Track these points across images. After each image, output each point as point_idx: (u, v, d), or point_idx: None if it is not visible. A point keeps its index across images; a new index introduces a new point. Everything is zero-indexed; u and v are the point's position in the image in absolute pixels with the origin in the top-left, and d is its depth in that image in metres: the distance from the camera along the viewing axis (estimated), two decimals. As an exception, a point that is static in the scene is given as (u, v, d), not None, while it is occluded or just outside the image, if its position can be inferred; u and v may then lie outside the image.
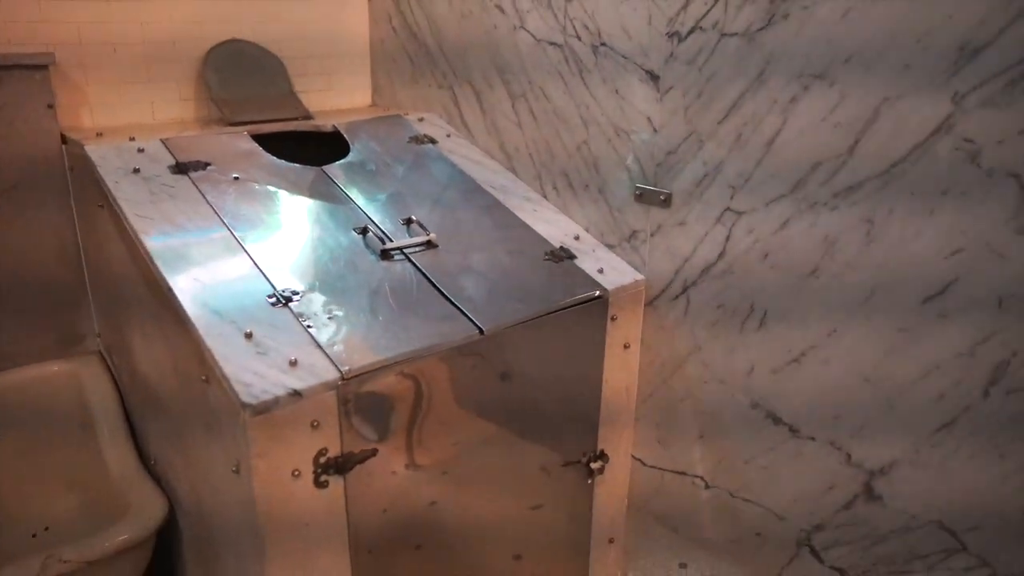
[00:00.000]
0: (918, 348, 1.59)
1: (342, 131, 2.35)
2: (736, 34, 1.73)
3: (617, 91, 2.02)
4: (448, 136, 2.47)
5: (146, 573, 1.91)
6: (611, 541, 2.17)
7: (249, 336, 1.45)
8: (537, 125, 2.27)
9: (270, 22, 2.60)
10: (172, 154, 2.00)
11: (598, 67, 2.05)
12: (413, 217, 1.95)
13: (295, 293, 1.58)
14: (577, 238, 2.11)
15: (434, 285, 1.74)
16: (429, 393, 1.61)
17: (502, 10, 2.28)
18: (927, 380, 1.59)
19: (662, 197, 1.98)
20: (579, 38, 2.07)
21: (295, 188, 1.99)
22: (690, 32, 1.82)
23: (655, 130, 1.96)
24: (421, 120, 2.53)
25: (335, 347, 1.47)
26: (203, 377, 1.44)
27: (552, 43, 2.15)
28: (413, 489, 1.65)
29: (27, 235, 2.18)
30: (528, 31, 2.21)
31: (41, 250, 2.22)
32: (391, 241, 1.84)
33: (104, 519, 1.77)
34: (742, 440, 1.99)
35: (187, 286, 1.55)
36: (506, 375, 1.76)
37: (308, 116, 2.50)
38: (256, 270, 1.63)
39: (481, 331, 1.65)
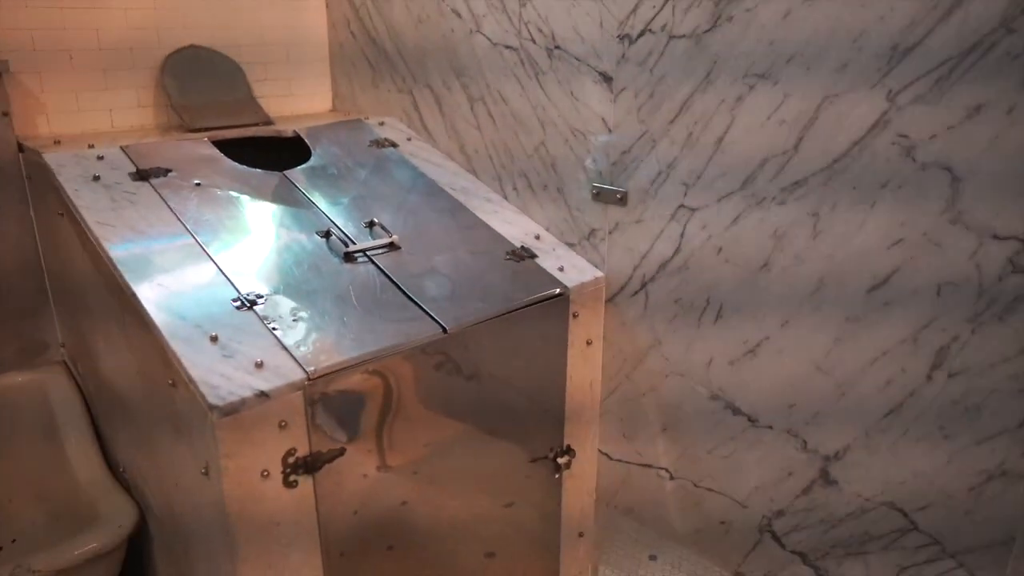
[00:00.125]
0: (865, 336, 1.66)
1: (303, 136, 2.35)
2: (684, 36, 1.78)
3: (572, 93, 2.06)
4: (409, 139, 2.49)
5: (116, 579, 1.91)
6: (581, 535, 2.20)
7: (215, 339, 1.46)
8: (496, 127, 2.31)
9: (228, 28, 2.60)
10: (132, 161, 2.00)
11: (553, 69, 2.09)
12: (375, 220, 1.97)
13: (260, 296, 1.60)
14: (538, 237, 2.15)
15: (397, 286, 1.76)
16: (396, 393, 1.63)
17: (458, 14, 2.31)
18: (875, 367, 1.66)
19: (618, 196, 2.03)
20: (534, 41, 2.11)
21: (257, 193, 2.00)
22: (640, 35, 1.87)
23: (610, 130, 2.01)
24: (382, 124, 2.55)
25: (300, 348, 1.49)
26: (170, 381, 1.45)
27: (508, 46, 2.19)
28: (384, 490, 1.67)
29: (-14, 245, 2.16)
30: (484, 35, 2.25)
31: (0, 260, 2.19)
32: (354, 244, 1.86)
33: (73, 528, 1.76)
34: (703, 431, 2.04)
35: (151, 292, 1.56)
36: (472, 373, 1.79)
37: (269, 121, 2.50)
38: (220, 275, 1.65)
39: (445, 330, 1.67)
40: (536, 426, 2.01)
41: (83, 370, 2.22)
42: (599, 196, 2.08)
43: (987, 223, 1.43)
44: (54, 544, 1.70)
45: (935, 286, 1.53)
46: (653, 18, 1.83)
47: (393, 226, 1.96)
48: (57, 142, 2.16)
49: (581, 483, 2.15)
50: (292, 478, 1.44)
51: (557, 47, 2.06)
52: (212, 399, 1.33)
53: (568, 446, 2.07)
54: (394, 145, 2.41)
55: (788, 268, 1.74)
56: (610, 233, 2.09)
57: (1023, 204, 1.39)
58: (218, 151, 2.16)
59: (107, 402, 2.07)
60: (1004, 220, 1.41)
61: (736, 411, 1.95)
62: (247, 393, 1.36)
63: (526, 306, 1.86)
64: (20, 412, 2.18)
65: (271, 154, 2.26)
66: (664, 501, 2.21)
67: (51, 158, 1.95)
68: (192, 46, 2.53)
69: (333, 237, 1.87)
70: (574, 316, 1.99)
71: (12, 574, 1.59)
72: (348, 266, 1.79)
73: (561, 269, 2.02)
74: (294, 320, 1.56)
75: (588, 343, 2.06)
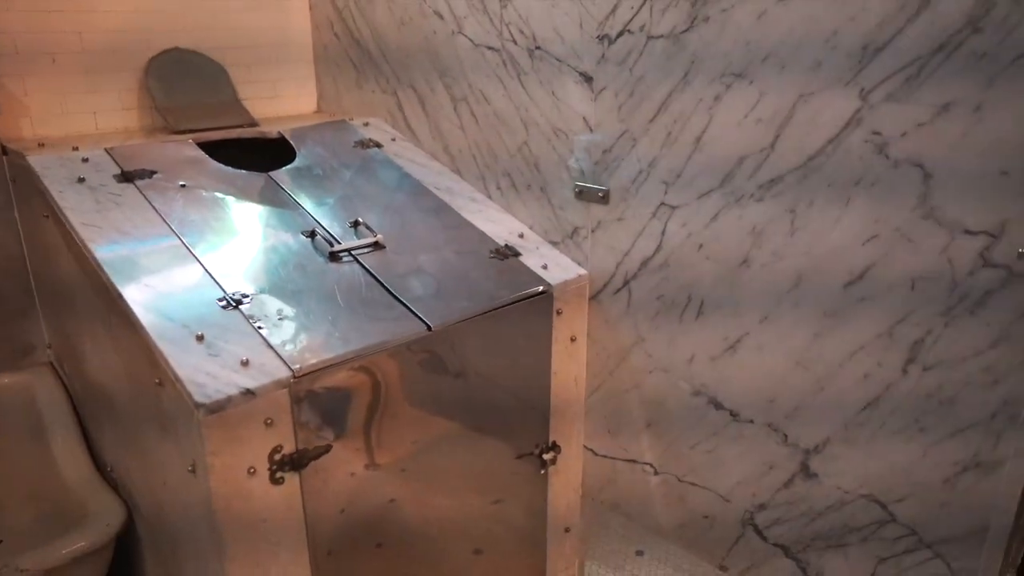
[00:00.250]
0: (843, 331, 1.69)
1: (288, 137, 2.37)
2: (662, 36, 1.81)
3: (554, 93, 2.09)
4: (393, 140, 2.50)
5: (107, 578, 1.92)
6: (567, 530, 2.22)
7: (201, 338, 1.47)
8: (479, 127, 2.33)
9: (211, 30, 2.61)
10: (117, 163, 2.00)
11: (535, 70, 2.11)
12: (360, 220, 1.99)
13: (245, 296, 1.61)
14: (521, 236, 2.17)
15: (382, 285, 1.78)
16: (382, 390, 1.64)
17: (440, 16, 2.32)
18: (852, 361, 1.69)
19: (601, 194, 2.05)
20: (515, 42, 2.14)
21: (242, 194, 2.01)
22: (619, 35, 1.89)
23: (591, 129, 2.03)
24: (366, 125, 2.57)
25: (286, 347, 1.50)
26: (156, 380, 1.47)
27: (490, 47, 2.21)
28: (371, 487, 1.68)
29: (-31, 248, 2.17)
30: (466, 36, 2.27)
31: (-15, 262, 2.20)
32: (339, 243, 1.87)
33: (62, 528, 1.77)
34: (687, 426, 2.06)
35: (137, 292, 1.57)
36: (457, 371, 1.81)
37: (253, 123, 2.51)
38: (206, 275, 1.66)
39: (429, 328, 1.69)
40: (522, 423, 2.02)
41: (70, 371, 2.23)
42: (582, 195, 2.11)
43: (958, 218, 1.46)
44: (42, 543, 1.71)
45: (909, 281, 1.56)
46: (631, 19, 1.86)
47: (378, 226, 1.98)
48: (41, 145, 2.17)
49: (567, 479, 2.16)
50: (279, 475, 1.46)
51: (538, 48, 2.09)
52: (198, 397, 1.35)
53: (554, 442, 2.09)
54: (379, 145, 2.43)
55: (767, 264, 1.77)
56: (593, 231, 2.12)
57: (992, 200, 1.42)
58: (203, 153, 2.17)
59: (94, 402, 2.08)
60: (974, 215, 1.45)
61: (718, 406, 1.98)
62: (233, 391, 1.38)
63: (510, 303, 1.88)
64: (7, 413, 2.19)
65: (256, 155, 2.28)
66: (649, 496, 2.24)
67: (36, 160, 1.95)
68: (176, 48, 2.54)
69: (318, 237, 1.89)
70: (558, 313, 2.01)
71: (3, 573, 1.60)
72: (333, 265, 1.81)
73: (545, 267, 2.04)
74: (280, 319, 1.58)
75: (572, 340, 2.08)
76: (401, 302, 1.74)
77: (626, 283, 2.08)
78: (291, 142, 2.35)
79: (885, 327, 1.62)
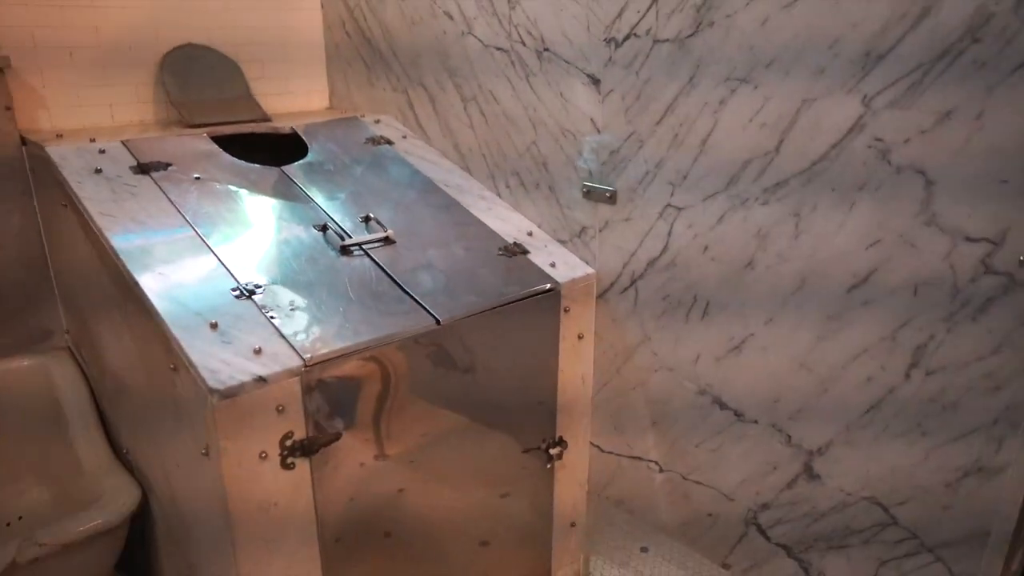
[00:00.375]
0: (846, 334, 1.70)
1: (300, 133, 2.40)
2: (668, 40, 1.83)
3: (562, 94, 2.11)
4: (404, 137, 2.53)
5: (120, 560, 1.95)
6: (573, 525, 2.23)
7: (215, 327, 1.51)
8: (488, 126, 2.35)
9: (225, 27, 2.64)
10: (133, 155, 2.04)
11: (543, 71, 2.14)
12: (371, 215, 2.01)
13: (258, 286, 1.65)
14: (530, 234, 2.19)
15: (392, 279, 1.81)
16: (391, 382, 1.67)
17: (450, 16, 2.35)
18: (855, 364, 1.70)
19: (608, 194, 2.08)
20: (524, 43, 2.16)
21: (256, 188, 2.05)
22: (626, 38, 1.91)
23: (599, 131, 2.06)
24: (377, 122, 2.60)
25: (297, 336, 1.54)
26: (171, 366, 1.50)
27: (499, 48, 2.24)
28: (379, 477, 1.71)
29: (-10, 235, 2.21)
30: (476, 36, 2.29)
31: (5, 249, 2.24)
32: (350, 238, 1.90)
33: (78, 508, 1.81)
34: (691, 425, 2.08)
35: (153, 281, 1.60)
36: (465, 365, 1.83)
37: (266, 118, 2.55)
38: (220, 265, 1.69)
39: (438, 322, 1.72)
40: (529, 418, 2.04)
41: (87, 356, 2.27)
42: (589, 195, 2.13)
43: (960, 225, 1.48)
44: (60, 521, 1.74)
45: (912, 286, 1.57)
46: (638, 22, 1.88)
47: (389, 221, 2.01)
48: (59, 136, 2.21)
49: (573, 474, 2.18)
50: (289, 460, 1.49)
51: (546, 49, 2.11)
52: (212, 383, 1.38)
53: (560, 437, 2.10)
54: (389, 143, 2.46)
55: (771, 267, 1.79)
56: (600, 231, 2.14)
57: (994, 207, 1.43)
58: (217, 147, 2.21)
59: (110, 386, 2.11)
60: (976, 222, 1.46)
61: (723, 406, 1.99)
62: (246, 378, 1.41)
63: (518, 300, 1.90)
64: (26, 395, 2.23)
65: (269, 150, 2.31)
66: (654, 493, 2.26)
67: (54, 151, 1.99)
68: (190, 44, 2.58)
69: (330, 231, 1.92)
70: (565, 311, 2.02)
71: (21, 546, 1.64)
72: (344, 259, 1.84)
73: (553, 265, 2.05)
74: (291, 309, 1.61)
75: (580, 337, 2.09)
76: (411, 296, 1.77)
77: (633, 282, 2.11)
78: (303, 138, 2.38)
79: (888, 331, 1.63)
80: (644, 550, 2.32)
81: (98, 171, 1.94)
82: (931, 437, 1.62)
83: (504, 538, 2.08)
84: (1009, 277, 1.45)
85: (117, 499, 1.85)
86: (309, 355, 1.50)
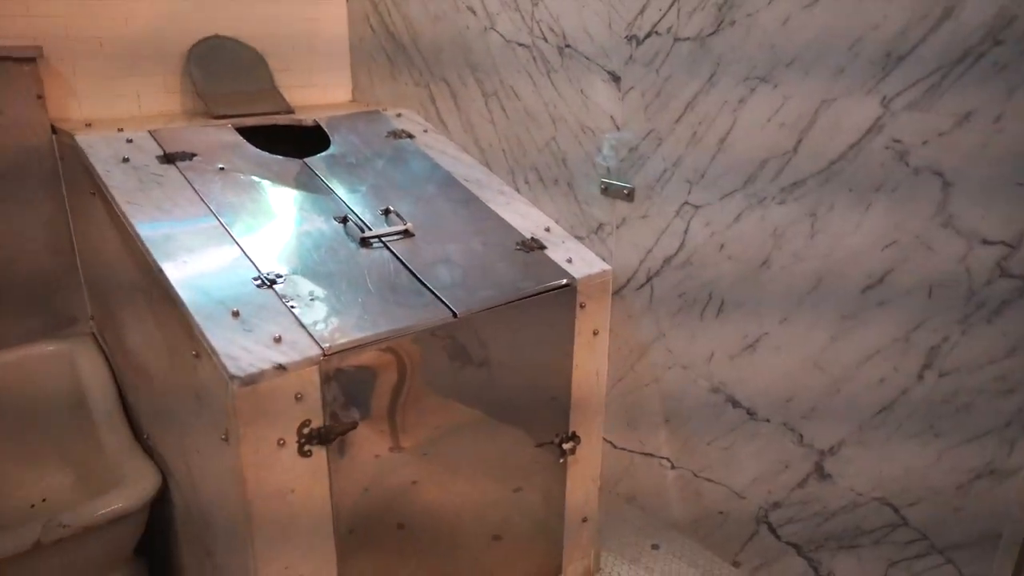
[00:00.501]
0: (860, 334, 1.70)
1: (323, 125, 2.43)
2: (688, 39, 1.84)
3: (582, 91, 2.12)
4: (425, 131, 2.55)
5: (140, 544, 1.99)
6: (584, 520, 2.24)
7: (236, 315, 1.54)
8: (509, 122, 2.37)
9: (251, 20, 2.68)
10: (160, 145, 2.08)
11: (564, 67, 2.15)
12: (391, 208, 2.03)
13: (279, 276, 1.68)
14: (548, 230, 2.19)
15: (410, 271, 1.83)
16: (407, 373, 1.69)
17: (473, 12, 2.37)
18: (869, 364, 1.71)
19: (626, 191, 2.09)
20: (545, 40, 2.18)
21: (278, 179, 2.08)
22: (647, 36, 1.92)
23: (618, 128, 2.07)
24: (399, 116, 2.62)
25: (317, 326, 1.56)
26: (194, 352, 1.53)
27: (521, 44, 2.25)
28: (393, 469, 1.73)
29: (20, 221, 2.26)
30: (498, 32, 2.31)
31: (34, 236, 2.29)
32: (370, 230, 1.93)
33: (99, 492, 1.84)
34: (704, 423, 2.10)
35: (177, 268, 1.64)
36: (481, 358, 1.84)
37: (290, 110, 2.58)
38: (242, 254, 1.72)
39: (455, 314, 1.73)
40: (543, 412, 2.05)
41: (110, 342, 2.31)
42: (607, 191, 2.14)
43: (976, 227, 1.48)
44: (82, 503, 1.79)
45: (927, 287, 1.57)
46: (659, 20, 1.89)
47: (408, 214, 2.03)
48: (88, 125, 2.25)
49: (585, 469, 2.18)
50: (307, 448, 1.52)
51: (568, 46, 2.12)
52: (233, 370, 1.41)
53: (573, 433, 2.11)
54: (411, 136, 2.48)
55: (787, 266, 1.79)
56: (617, 227, 2.15)
57: (1010, 210, 1.43)
58: (241, 138, 2.24)
59: (133, 372, 2.15)
60: (992, 225, 1.46)
61: (736, 404, 2.00)
62: (266, 365, 1.43)
63: (534, 295, 1.91)
64: (51, 379, 2.27)
65: (292, 142, 2.34)
66: (665, 490, 2.27)
67: (83, 140, 2.03)
68: (216, 36, 2.61)
69: (350, 223, 1.94)
70: (581, 307, 2.03)
71: (45, 527, 1.68)
72: (364, 251, 1.86)
73: (569, 261, 2.06)
74: (311, 299, 1.64)
75: (595, 333, 2.10)
76: (428, 288, 1.79)
77: (649, 280, 2.12)
78: (326, 130, 2.40)
79: (902, 332, 1.63)
80: (655, 547, 2.32)
81: (125, 160, 1.98)
82: (943, 439, 1.62)
83: (516, 532, 2.09)
84: (1025, 281, 1.45)
85: (138, 484, 1.88)
86: (328, 344, 1.52)
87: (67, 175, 2.26)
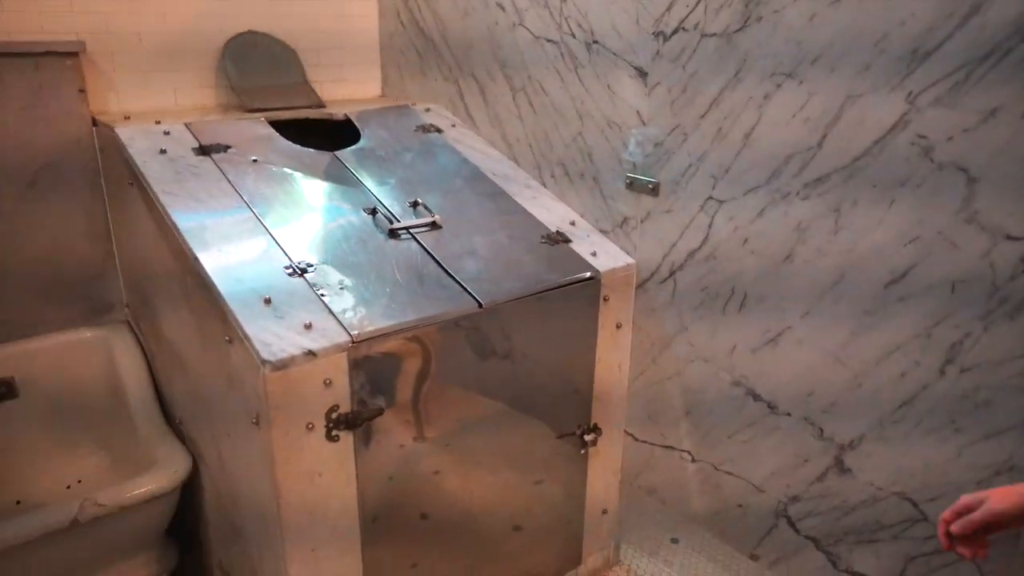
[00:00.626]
0: (882, 330, 1.71)
1: (353, 119, 2.47)
2: (715, 35, 1.85)
3: (609, 86, 2.14)
4: (453, 126, 2.59)
5: (170, 525, 2.05)
6: (604, 512, 2.26)
7: (268, 302, 1.58)
8: (536, 117, 2.39)
9: (284, 16, 2.72)
10: (195, 137, 2.14)
11: (591, 63, 2.17)
12: (419, 200, 2.07)
13: (310, 265, 1.72)
14: (573, 224, 2.22)
15: (437, 262, 1.86)
16: (433, 362, 1.72)
17: (502, 8, 2.39)
18: (890, 359, 1.71)
19: (651, 186, 2.11)
20: (574, 36, 2.19)
21: (309, 171, 2.12)
22: (674, 32, 1.94)
23: (644, 123, 2.08)
24: (428, 111, 2.66)
25: (346, 314, 1.60)
26: (227, 338, 1.58)
27: (549, 40, 2.27)
28: (417, 459, 1.76)
29: (61, 211, 2.33)
30: (527, 28, 2.33)
31: (75, 225, 2.36)
32: (398, 221, 1.97)
33: (133, 474, 1.91)
34: (725, 416, 2.11)
35: (212, 257, 1.69)
36: (505, 349, 1.87)
37: (321, 105, 2.62)
38: (274, 244, 1.77)
39: (480, 305, 1.77)
40: (565, 404, 2.07)
41: (144, 329, 2.37)
42: (632, 186, 2.16)
43: (1001, 223, 1.48)
44: (117, 484, 1.85)
45: (949, 283, 1.58)
46: (686, 17, 1.90)
47: (436, 207, 2.06)
48: (127, 118, 2.31)
49: (606, 461, 2.20)
50: (334, 432, 1.56)
51: (595, 42, 2.14)
52: (265, 355, 1.45)
53: (595, 424, 2.13)
54: (439, 131, 2.51)
55: (810, 261, 1.80)
56: (642, 222, 2.17)
57: (1035, 206, 1.43)
58: (274, 131, 2.29)
59: (166, 359, 2.21)
60: (1017, 221, 1.46)
61: (756, 397, 2.01)
62: (296, 351, 1.48)
63: (559, 287, 1.93)
64: (87, 366, 2.35)
65: (323, 135, 2.38)
66: (685, 482, 2.28)
67: (122, 132, 2.10)
68: (250, 31, 2.66)
69: (379, 214, 1.98)
70: (604, 300, 2.05)
71: (82, 506, 1.74)
72: (392, 242, 1.90)
73: (594, 254, 2.08)
74: (341, 288, 1.68)
75: (618, 326, 2.11)
76: (455, 279, 1.82)
77: (672, 273, 2.13)
78: (356, 124, 2.45)
79: (924, 328, 1.64)
80: (675, 541, 2.34)
81: (163, 152, 2.04)
82: (964, 434, 1.62)
83: (536, 523, 2.11)
84: (1049, 277, 1.45)
85: (170, 466, 1.94)
86: (356, 332, 1.56)
87: (106, 166, 2.33)
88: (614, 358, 2.14)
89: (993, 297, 1.52)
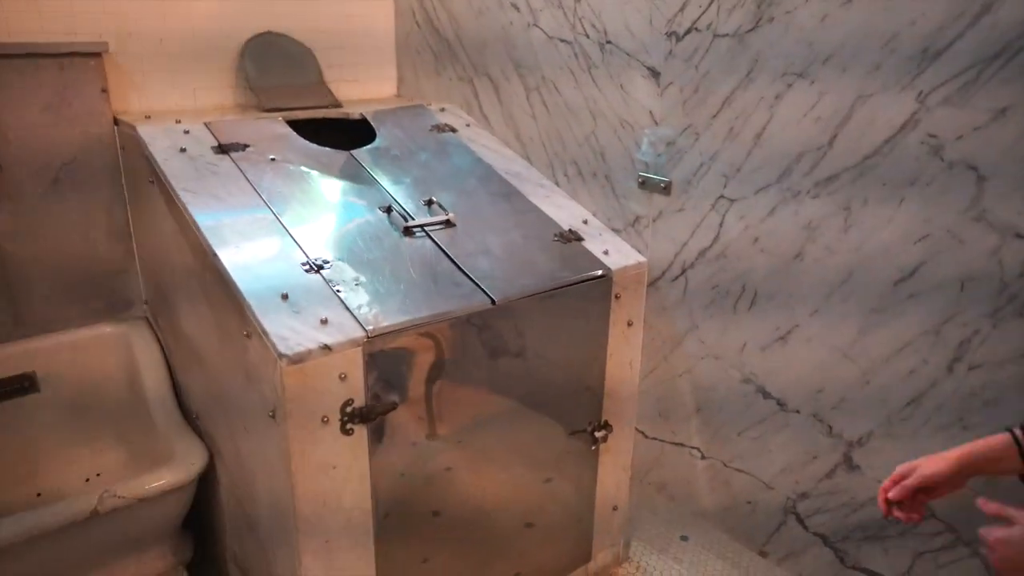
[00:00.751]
0: (891, 327, 1.72)
1: (369, 119, 2.49)
2: (727, 35, 1.86)
3: (622, 86, 2.16)
4: (468, 125, 2.61)
5: (188, 517, 2.08)
6: (615, 509, 2.26)
7: (285, 297, 1.61)
8: (550, 116, 2.41)
9: (302, 17, 2.75)
10: (215, 136, 2.17)
11: (604, 63, 2.19)
12: (434, 199, 2.08)
13: (326, 262, 1.75)
14: (585, 222, 2.22)
15: (451, 260, 1.88)
16: (445, 358, 1.74)
17: (516, 8, 2.41)
18: (899, 357, 1.72)
19: (663, 185, 2.12)
20: (587, 36, 2.21)
21: (326, 170, 2.15)
22: (687, 32, 1.95)
23: (656, 123, 2.10)
24: (443, 110, 2.68)
25: (361, 309, 1.63)
26: (245, 333, 1.61)
27: (563, 40, 2.29)
28: (429, 455, 1.78)
29: (82, 208, 2.37)
30: (541, 28, 2.35)
31: (96, 222, 2.40)
32: (413, 219, 1.99)
33: (150, 468, 1.94)
34: (735, 413, 2.12)
35: (230, 253, 1.72)
36: (517, 346, 1.88)
37: (337, 104, 2.65)
38: (291, 240, 1.80)
39: (493, 301, 1.78)
40: (576, 401, 2.08)
41: (163, 325, 2.41)
42: (644, 185, 2.17)
43: (1010, 222, 1.49)
44: (135, 477, 1.88)
45: (958, 281, 1.58)
46: (699, 17, 1.92)
47: (450, 205, 2.08)
48: (148, 117, 2.35)
49: (617, 458, 2.21)
50: (349, 426, 1.58)
51: (609, 42, 2.16)
52: (282, 349, 1.48)
53: (606, 421, 2.13)
54: (453, 130, 2.54)
55: (819, 259, 1.81)
56: (654, 221, 2.18)
57: (1045, 205, 1.44)
58: (291, 130, 2.32)
59: (184, 355, 2.25)
60: (1027, 219, 1.46)
61: (766, 395, 2.03)
62: (312, 345, 1.50)
63: (571, 285, 1.94)
64: (107, 360, 2.39)
65: (339, 134, 2.41)
66: (695, 479, 2.30)
67: (143, 131, 2.13)
68: (269, 32, 2.69)
69: (394, 212, 2.00)
70: (616, 298, 2.05)
71: (101, 498, 1.78)
72: (407, 240, 1.92)
73: (606, 252, 2.08)
74: (356, 284, 1.71)
75: (629, 324, 2.11)
76: (468, 276, 1.84)
77: (683, 272, 2.15)
78: (372, 123, 2.47)
79: (932, 325, 1.64)
80: (684, 538, 2.34)
81: (183, 150, 2.07)
82: (972, 431, 1.62)
83: (547, 520, 2.12)
84: (1059, 275, 1.45)
85: (187, 460, 1.97)
86: (371, 327, 1.59)
87: (127, 164, 2.37)
88: (625, 355, 2.14)
89: (1002, 295, 1.53)
